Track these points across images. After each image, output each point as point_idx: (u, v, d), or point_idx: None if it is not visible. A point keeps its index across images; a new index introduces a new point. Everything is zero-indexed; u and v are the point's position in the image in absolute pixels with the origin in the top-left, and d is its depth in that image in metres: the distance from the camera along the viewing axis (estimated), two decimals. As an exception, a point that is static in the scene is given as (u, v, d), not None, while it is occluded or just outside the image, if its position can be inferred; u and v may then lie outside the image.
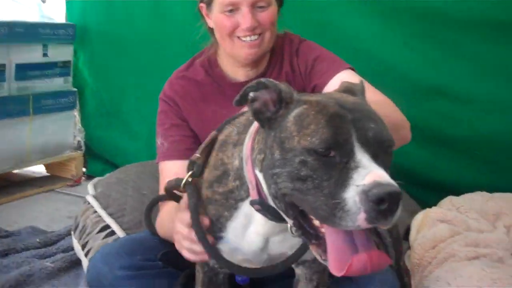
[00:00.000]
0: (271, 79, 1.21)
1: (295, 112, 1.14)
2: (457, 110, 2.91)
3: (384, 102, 1.68)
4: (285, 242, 1.34)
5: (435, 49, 2.85)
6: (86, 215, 2.42)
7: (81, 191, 3.75)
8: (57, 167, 4.01)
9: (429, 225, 2.43)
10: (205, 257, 1.36)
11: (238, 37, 1.75)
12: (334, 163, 1.03)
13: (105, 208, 2.40)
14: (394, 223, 1.91)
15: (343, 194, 0.99)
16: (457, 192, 2.78)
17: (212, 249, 1.32)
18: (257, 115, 1.20)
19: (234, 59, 1.82)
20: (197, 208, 1.34)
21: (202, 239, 1.31)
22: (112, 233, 2.25)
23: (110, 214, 2.35)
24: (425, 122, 2.87)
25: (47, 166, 4.07)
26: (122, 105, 3.99)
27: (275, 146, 1.13)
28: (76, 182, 3.93)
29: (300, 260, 1.38)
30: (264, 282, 1.78)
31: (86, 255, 2.23)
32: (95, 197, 2.50)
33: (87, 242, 2.26)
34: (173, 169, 1.74)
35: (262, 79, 1.20)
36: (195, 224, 1.31)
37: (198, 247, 1.34)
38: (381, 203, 0.96)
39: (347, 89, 1.28)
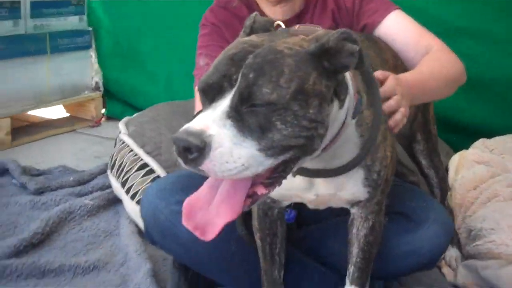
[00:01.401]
0: (254, 14, 1.26)
1: None
2: (486, 51, 2.86)
3: (442, 54, 1.68)
4: (329, 183, 1.32)
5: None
6: (122, 154, 2.40)
7: (102, 132, 3.75)
8: (76, 108, 3.97)
9: (466, 166, 2.43)
10: None
11: None
12: (204, 103, 1.05)
13: (141, 146, 2.38)
14: (437, 165, 1.93)
15: None
16: (488, 135, 2.79)
17: None
18: None
19: None
20: None
21: None
22: (151, 171, 2.24)
23: (148, 153, 2.33)
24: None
25: (66, 107, 4.02)
26: (139, 46, 3.90)
27: None
28: (96, 123, 3.89)
29: (354, 200, 1.38)
30: (310, 221, 1.78)
31: (127, 192, 2.23)
32: (130, 135, 2.47)
33: (126, 180, 2.26)
34: None
35: (254, 13, 1.26)
36: None
37: None
38: (175, 147, 0.97)
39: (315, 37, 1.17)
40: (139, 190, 2.18)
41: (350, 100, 1.18)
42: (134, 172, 2.26)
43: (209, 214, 1.06)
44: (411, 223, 1.61)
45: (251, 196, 1.07)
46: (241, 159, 0.98)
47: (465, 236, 2.04)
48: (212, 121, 0.98)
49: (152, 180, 2.18)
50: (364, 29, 1.77)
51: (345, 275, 1.55)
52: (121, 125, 2.65)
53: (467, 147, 2.71)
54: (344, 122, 1.19)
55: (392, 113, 1.34)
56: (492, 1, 2.76)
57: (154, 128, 2.52)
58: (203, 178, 1.70)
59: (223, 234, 1.59)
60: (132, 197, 2.19)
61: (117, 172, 2.36)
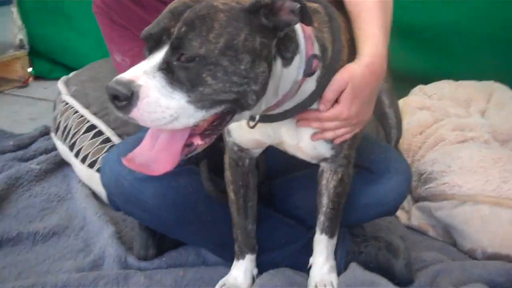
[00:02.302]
0: None
1: None
2: (419, -1, 2.93)
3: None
4: (290, 132, 1.35)
5: None
6: (66, 116, 2.29)
7: (32, 92, 3.58)
8: (1, 68, 3.72)
9: (410, 113, 2.50)
10: None
11: None
12: (145, 54, 1.10)
13: (87, 107, 2.28)
14: (395, 103, 1.95)
15: None
16: (424, 82, 2.88)
17: None
18: None
19: None
20: None
21: None
22: (99, 133, 2.16)
23: (94, 114, 2.24)
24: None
25: (-10, 68, 3.77)
26: (65, -1, 3.68)
27: None
28: (24, 83, 3.69)
29: (319, 157, 1.40)
30: (278, 175, 1.79)
31: (76, 155, 2.14)
32: (73, 96, 2.35)
33: (74, 143, 2.17)
34: None
35: None
36: None
37: None
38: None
39: None
40: (89, 153, 2.11)
41: (301, 58, 1.19)
42: (81, 135, 2.17)
43: (148, 158, 1.10)
44: (373, 175, 1.64)
45: (189, 145, 1.12)
46: (169, 110, 1.03)
47: (416, 179, 2.13)
48: (143, 72, 1.03)
49: (103, 143, 2.12)
50: None
51: (311, 226, 1.60)
52: (60, 85, 2.51)
53: (405, 95, 2.79)
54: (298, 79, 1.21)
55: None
56: None
57: (97, 87, 2.41)
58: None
59: (189, 196, 1.59)
60: (83, 161, 2.12)
61: (62, 135, 2.25)
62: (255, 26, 1.09)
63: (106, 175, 1.61)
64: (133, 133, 2.16)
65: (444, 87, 2.77)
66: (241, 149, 1.47)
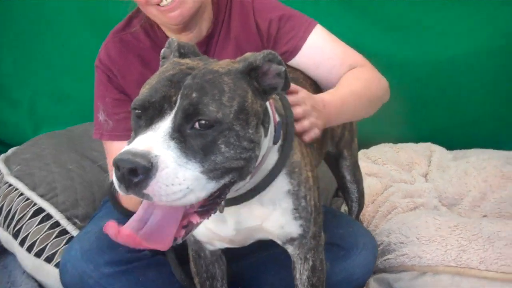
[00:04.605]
0: (174, 39, 1.22)
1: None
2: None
3: (365, 72, 1.68)
4: (253, 213, 1.28)
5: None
6: (10, 199, 2.15)
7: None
8: None
9: (360, 180, 2.55)
10: None
11: (157, 4, 1.54)
12: (140, 124, 1.03)
13: (33, 188, 2.15)
14: (358, 179, 1.99)
15: None
16: (365, 146, 2.96)
17: None
18: None
19: (166, 27, 1.67)
20: None
21: None
22: (48, 217, 2.04)
23: (41, 196, 2.12)
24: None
25: None
26: (-4, 67, 3.52)
27: None
28: None
29: (285, 237, 1.34)
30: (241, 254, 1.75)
31: (21, 244, 2.00)
32: (16, 177, 2.22)
33: (19, 230, 2.03)
34: None
35: (172, 38, 1.23)
36: None
37: None
38: (118, 169, 0.93)
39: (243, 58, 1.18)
40: (37, 240, 1.98)
41: (271, 127, 1.19)
42: (27, 220, 2.04)
43: (137, 239, 0.98)
44: (342, 251, 1.65)
45: (186, 226, 1.04)
46: (186, 182, 0.95)
47: (374, 250, 2.14)
48: (155, 142, 0.95)
49: (51, 228, 2.00)
50: (283, 56, 1.67)
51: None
52: (0, 164, 2.37)
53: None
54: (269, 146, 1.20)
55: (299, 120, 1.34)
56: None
57: (42, 165, 2.30)
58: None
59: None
60: (29, 249, 1.98)
61: (5, 221, 2.10)
62: (253, 87, 1.09)
63: (68, 274, 1.52)
64: (83, 215, 2.08)
65: (386, 151, 2.87)
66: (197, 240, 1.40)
